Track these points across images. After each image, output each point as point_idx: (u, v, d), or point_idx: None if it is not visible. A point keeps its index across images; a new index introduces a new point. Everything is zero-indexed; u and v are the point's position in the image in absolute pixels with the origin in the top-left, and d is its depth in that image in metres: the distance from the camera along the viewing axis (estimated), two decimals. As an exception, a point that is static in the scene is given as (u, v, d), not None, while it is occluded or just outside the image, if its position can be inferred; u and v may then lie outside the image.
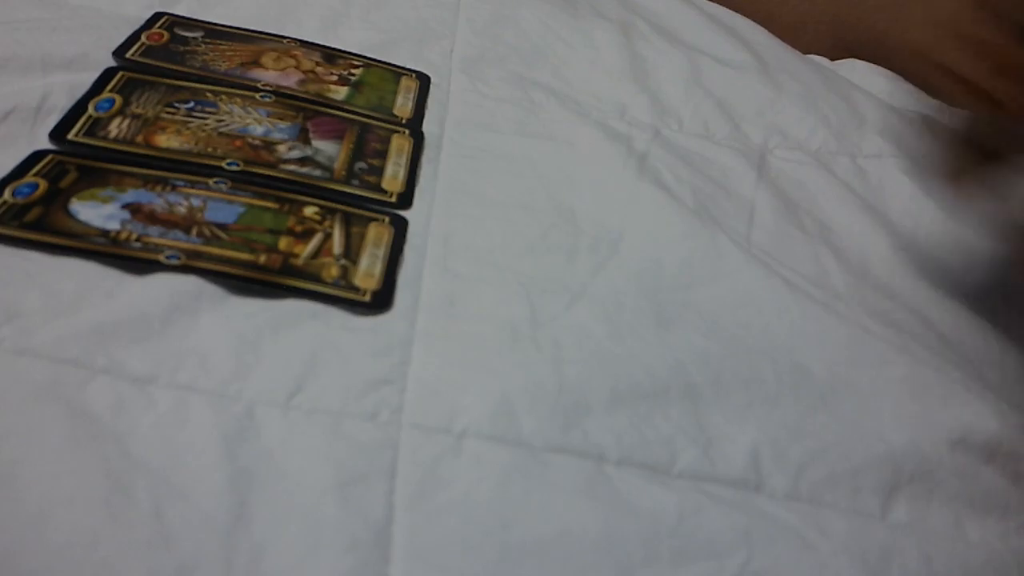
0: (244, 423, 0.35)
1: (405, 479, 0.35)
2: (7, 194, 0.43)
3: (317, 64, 0.59)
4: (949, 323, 0.50)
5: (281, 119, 0.53)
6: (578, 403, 0.39)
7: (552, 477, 0.36)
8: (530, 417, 0.38)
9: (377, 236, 0.46)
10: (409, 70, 0.63)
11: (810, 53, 0.82)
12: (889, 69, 0.78)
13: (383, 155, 0.53)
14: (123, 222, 0.43)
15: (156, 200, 0.45)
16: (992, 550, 0.38)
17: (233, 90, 0.54)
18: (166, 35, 0.58)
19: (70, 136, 0.48)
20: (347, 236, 0.46)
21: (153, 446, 0.34)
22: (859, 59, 0.80)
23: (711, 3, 0.86)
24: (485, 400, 0.38)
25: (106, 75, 0.53)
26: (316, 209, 0.47)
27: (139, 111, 0.51)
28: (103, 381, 0.36)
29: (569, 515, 0.35)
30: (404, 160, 0.53)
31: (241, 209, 0.46)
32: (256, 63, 0.58)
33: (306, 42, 0.61)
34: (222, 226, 0.44)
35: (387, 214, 0.48)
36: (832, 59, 0.82)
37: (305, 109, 0.54)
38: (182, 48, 0.57)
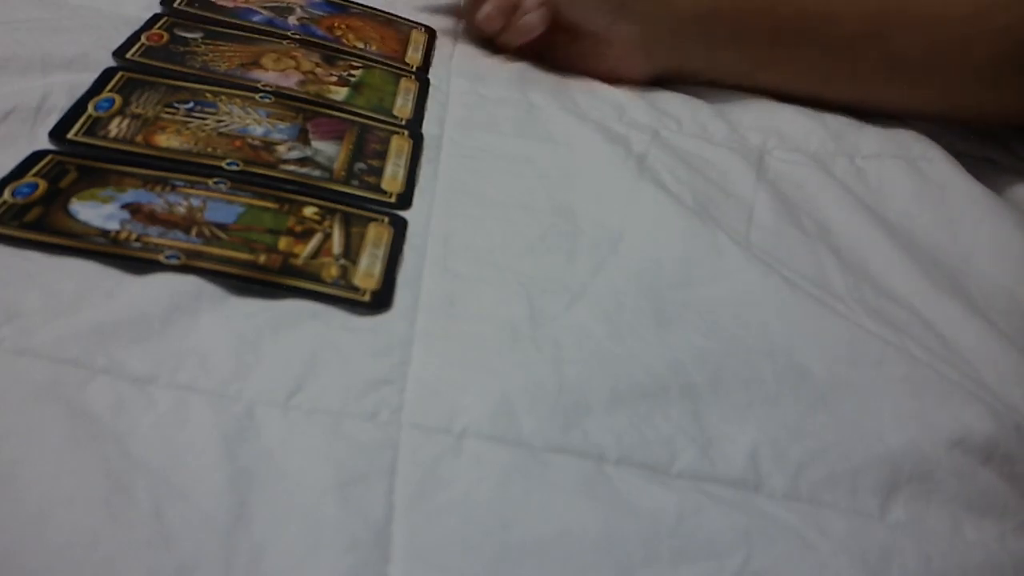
0: (244, 423, 0.35)
1: (405, 479, 0.35)
2: (7, 194, 0.43)
3: (317, 65, 0.59)
4: (948, 323, 0.50)
5: (281, 120, 0.53)
6: (578, 403, 0.39)
7: (552, 477, 0.36)
8: (530, 417, 0.38)
9: (377, 236, 0.46)
10: (409, 71, 0.63)
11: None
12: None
13: (383, 156, 0.53)
14: (123, 222, 0.43)
15: (156, 200, 0.45)
16: (989, 551, 0.38)
17: (233, 91, 0.54)
18: (166, 36, 0.58)
19: (70, 136, 0.48)
20: (347, 236, 0.46)
21: (153, 446, 0.34)
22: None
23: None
24: (485, 400, 0.38)
25: (106, 75, 0.53)
26: (316, 209, 0.47)
27: (139, 111, 0.51)
28: (103, 381, 0.36)
29: (569, 515, 0.35)
30: (404, 160, 0.53)
31: (241, 209, 0.46)
32: (256, 64, 0.58)
33: (306, 42, 0.62)
34: (222, 226, 0.44)
35: (387, 214, 0.48)
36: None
37: (305, 110, 0.54)
38: (182, 49, 0.57)
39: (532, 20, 0.63)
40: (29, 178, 0.45)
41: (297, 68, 0.58)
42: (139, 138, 0.49)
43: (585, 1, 0.64)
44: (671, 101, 0.65)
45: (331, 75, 0.59)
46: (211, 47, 0.58)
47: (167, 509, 0.32)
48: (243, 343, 0.39)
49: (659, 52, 0.66)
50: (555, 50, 0.68)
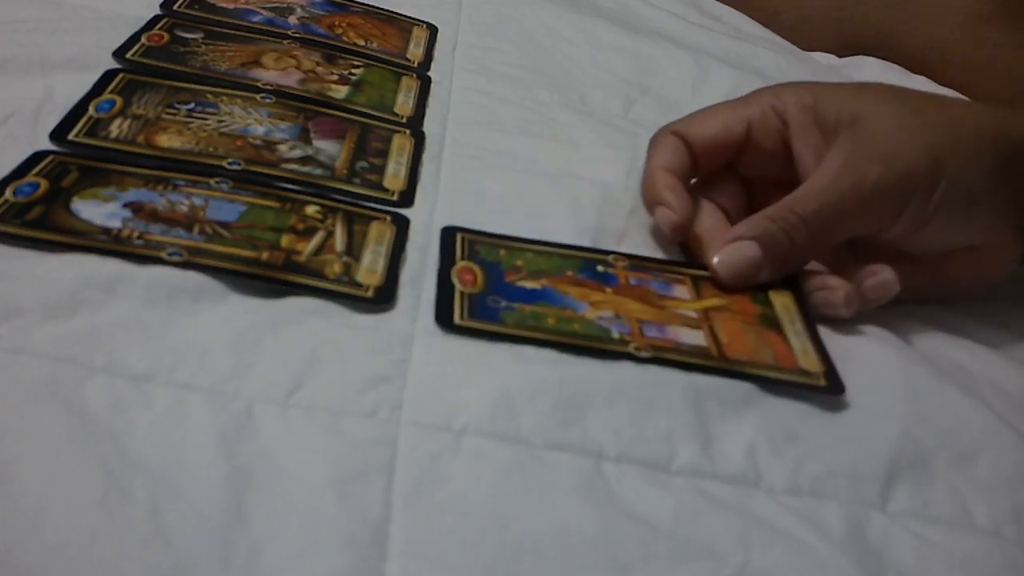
0: (242, 421, 0.35)
1: (403, 476, 0.34)
2: (8, 193, 0.43)
3: (317, 64, 0.59)
4: (958, 320, 0.49)
5: (282, 119, 0.53)
6: (578, 400, 0.38)
7: (551, 475, 0.36)
8: (530, 414, 0.37)
9: (379, 234, 0.46)
10: (410, 68, 0.63)
11: (815, 50, 0.82)
12: (898, 66, 0.78)
13: (384, 154, 0.53)
14: (125, 220, 0.43)
15: (157, 199, 0.45)
16: (995, 538, 0.37)
17: (234, 91, 0.54)
18: (166, 36, 0.58)
19: (71, 136, 0.48)
20: (349, 234, 0.46)
21: (151, 444, 0.34)
22: (867, 56, 0.80)
23: (715, 1, 0.85)
24: (485, 397, 0.38)
25: (106, 76, 0.53)
26: (318, 208, 0.47)
27: (140, 112, 0.51)
28: (101, 379, 0.36)
29: (567, 513, 0.34)
30: (406, 159, 0.53)
31: (243, 208, 0.46)
32: (257, 63, 0.58)
33: (307, 41, 0.62)
34: (224, 224, 0.44)
35: (389, 212, 0.48)
36: (839, 56, 0.81)
37: (306, 110, 0.54)
38: (182, 49, 0.57)
39: (888, 281, 0.47)
40: (30, 178, 0.45)
41: (298, 67, 0.58)
42: (140, 138, 0.49)
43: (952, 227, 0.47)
44: (678, 95, 0.65)
45: (332, 74, 0.59)
46: (211, 47, 0.58)
47: (164, 508, 0.32)
48: (243, 340, 0.38)
49: None
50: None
